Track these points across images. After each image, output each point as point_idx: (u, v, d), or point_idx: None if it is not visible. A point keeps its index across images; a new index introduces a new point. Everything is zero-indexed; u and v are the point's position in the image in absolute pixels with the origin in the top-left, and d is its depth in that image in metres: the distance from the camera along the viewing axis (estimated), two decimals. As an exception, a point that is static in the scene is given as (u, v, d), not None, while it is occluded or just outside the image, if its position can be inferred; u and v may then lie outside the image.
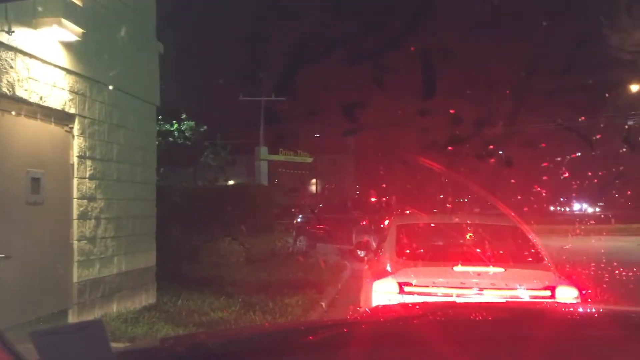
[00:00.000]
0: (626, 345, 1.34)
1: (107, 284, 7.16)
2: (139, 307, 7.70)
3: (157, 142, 10.02)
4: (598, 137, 30.74)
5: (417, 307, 2.08)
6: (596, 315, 1.80)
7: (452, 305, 2.29)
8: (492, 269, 4.99)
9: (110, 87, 7.24)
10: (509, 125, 29.82)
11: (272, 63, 30.75)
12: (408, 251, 5.74)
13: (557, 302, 4.65)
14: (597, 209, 40.35)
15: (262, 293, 8.86)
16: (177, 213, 13.46)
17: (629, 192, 32.19)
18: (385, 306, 3.69)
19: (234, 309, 7.77)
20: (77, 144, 6.67)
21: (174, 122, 20.50)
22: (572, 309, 2.36)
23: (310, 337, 1.52)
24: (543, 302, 4.55)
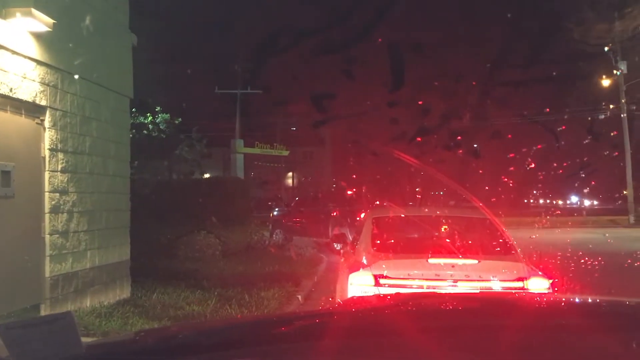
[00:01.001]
0: (595, 333, 1.37)
1: (81, 278, 7.07)
2: (113, 301, 7.62)
3: (130, 135, 9.90)
4: (562, 128, 31.29)
5: (391, 297, 2.10)
6: (566, 304, 1.83)
7: (426, 295, 2.31)
8: (465, 261, 5.05)
9: (82, 79, 7.13)
10: (477, 116, 30.26)
11: (249, 56, 30.56)
12: (383, 244, 5.77)
13: (528, 292, 4.72)
14: (564, 201, 40.99)
15: (238, 286, 8.83)
16: (152, 206, 13.36)
17: (593, 182, 32.80)
18: (358, 297, 3.71)
19: (210, 302, 7.74)
20: (49, 137, 6.56)
21: (148, 114, 20.27)
22: (542, 299, 2.41)
23: (283, 328, 1.52)
24: (515, 293, 4.62)
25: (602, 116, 31.88)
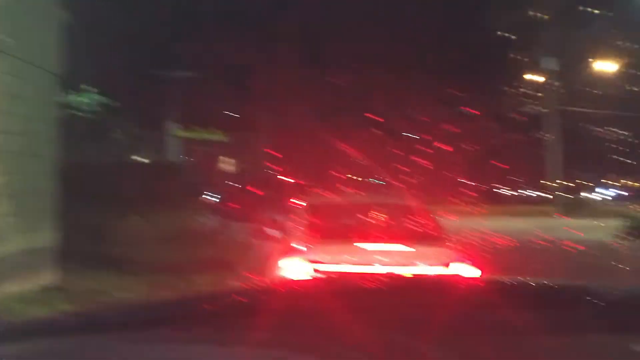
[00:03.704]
0: (516, 310, 1.46)
1: (4, 262, 6.79)
2: (39, 287, 7.36)
3: (60, 115, 9.52)
4: (477, 113, 32.32)
5: (320, 279, 2.14)
6: (489, 285, 1.92)
7: (355, 276, 2.37)
8: (397, 247, 5.19)
9: (6, 54, 6.80)
10: (396, 101, 30.86)
11: (186, 38, 29.93)
12: (317, 230, 5.83)
13: (455, 275, 4.90)
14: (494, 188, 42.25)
15: (171, 272, 8.71)
16: (82, 189, 12.91)
17: (507, 167, 34.03)
18: (289, 279, 3.74)
19: (142, 288, 7.61)
20: (-30, 115, 6.24)
21: (80, 94, 19.57)
22: (466, 281, 2.52)
23: (210, 306, 1.53)
24: (440, 275, 4.78)
25: (528, 109, 33.15)
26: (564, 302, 1.66)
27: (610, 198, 47.93)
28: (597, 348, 1.34)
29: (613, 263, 10.34)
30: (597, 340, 1.37)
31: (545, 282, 1.90)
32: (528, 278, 1.88)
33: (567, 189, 36.04)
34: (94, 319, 1.49)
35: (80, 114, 19.52)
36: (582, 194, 42.80)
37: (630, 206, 28.88)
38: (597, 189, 49.45)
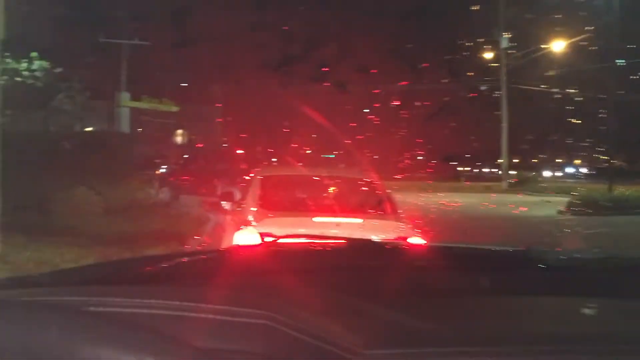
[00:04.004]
0: (454, 272, 1.49)
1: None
2: (-21, 258, 7.09)
3: (3, 82, 9.11)
4: (425, 66, 32.55)
5: (270, 243, 2.14)
6: (435, 249, 1.96)
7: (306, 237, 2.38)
8: (349, 220, 5.20)
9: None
10: (345, 53, 30.58)
11: (137, 3, 29.04)
12: (270, 202, 5.79)
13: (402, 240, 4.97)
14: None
15: (120, 245, 8.54)
16: (26, 159, 12.45)
17: (453, 124, 34.54)
18: (239, 245, 3.71)
19: (89, 260, 7.42)
20: None
21: (23, 60, 18.75)
22: (414, 246, 2.58)
23: (160, 266, 1.50)
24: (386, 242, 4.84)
25: (483, 87, 33.62)
26: (506, 265, 1.70)
27: (561, 175, 49.55)
28: (546, 309, 1.37)
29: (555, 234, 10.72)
30: (539, 302, 1.40)
31: (487, 247, 1.95)
32: (470, 244, 1.92)
33: (519, 166, 36.98)
34: (36, 280, 1.44)
35: (25, 81, 18.72)
36: (534, 172, 44.04)
37: (578, 184, 29.93)
38: (549, 168, 51.04)
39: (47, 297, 1.00)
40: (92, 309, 0.89)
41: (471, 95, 32.74)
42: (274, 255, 1.58)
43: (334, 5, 29.98)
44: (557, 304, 1.38)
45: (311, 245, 1.73)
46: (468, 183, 35.48)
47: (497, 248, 1.92)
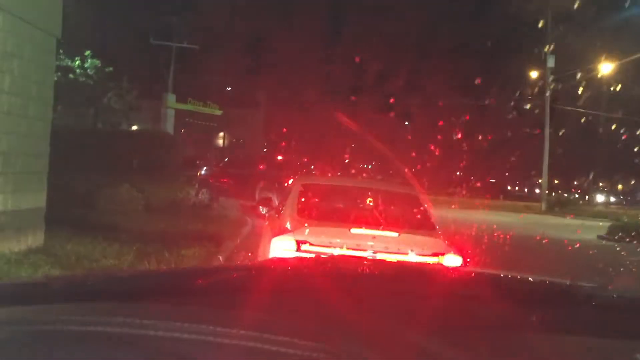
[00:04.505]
0: (499, 304, 1.44)
1: (-10, 222, 6.73)
2: (24, 248, 7.31)
3: (56, 78, 9.40)
4: (490, 101, 32.22)
5: (310, 259, 2.12)
6: (481, 278, 1.91)
7: (345, 258, 2.35)
8: (386, 233, 5.16)
9: (6, 12, 6.68)
10: (410, 84, 30.73)
11: (188, 8, 29.62)
12: (308, 210, 5.81)
13: (443, 265, 4.90)
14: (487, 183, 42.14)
15: (158, 242, 8.68)
16: (73, 155, 12.81)
17: (513, 159, 34.10)
18: (278, 258, 3.72)
19: (128, 257, 7.57)
20: (-36, 70, 6.13)
21: (77, 58, 19.32)
22: (459, 272, 2.52)
23: (199, 280, 1.50)
24: (429, 264, 4.78)
25: (528, 106, 33.03)
26: (554, 299, 1.64)
27: (602, 200, 48.22)
28: (595, 352, 1.32)
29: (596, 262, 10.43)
30: (591, 343, 1.35)
31: (534, 278, 1.89)
32: (515, 273, 1.87)
33: (559, 188, 36.10)
34: (77, 285, 1.45)
35: (77, 78, 19.29)
36: (576, 194, 42.97)
37: (619, 209, 29.04)
38: (591, 190, 49.72)
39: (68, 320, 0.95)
40: (117, 330, 0.86)
41: (513, 113, 32.22)
42: (312, 272, 1.57)
43: (393, 40, 30.23)
44: (601, 346, 1.33)
45: (349, 263, 1.71)
46: (506, 201, 34.88)
47: (541, 279, 1.86)
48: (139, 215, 12.17)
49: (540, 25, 30.16)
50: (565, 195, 37.04)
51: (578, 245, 13.84)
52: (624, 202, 42.81)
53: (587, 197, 45.73)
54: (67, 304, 1.17)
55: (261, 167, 22.63)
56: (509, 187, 48.40)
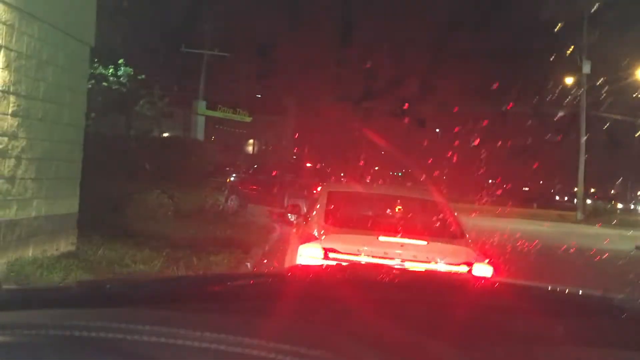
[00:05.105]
0: (532, 316, 1.41)
1: (24, 227, 6.87)
2: (57, 253, 7.44)
3: (89, 86, 9.58)
4: (507, 108, 31.74)
5: (338, 267, 2.10)
6: (507, 288, 1.87)
7: (374, 267, 2.31)
8: (414, 242, 5.11)
9: (41, 21, 6.83)
10: (426, 91, 30.51)
11: (219, 16, 29.97)
12: (336, 218, 5.79)
13: (471, 275, 4.82)
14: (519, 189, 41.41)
15: (187, 249, 8.75)
16: (106, 161, 13.02)
17: (536, 166, 33.55)
18: (305, 265, 3.70)
19: (157, 262, 7.65)
20: (1, 78, 6.28)
21: (110, 66, 19.66)
22: (485, 281, 2.47)
23: (224, 286, 1.49)
24: (459, 274, 4.71)
25: (561, 113, 32.43)
26: (585, 312, 1.59)
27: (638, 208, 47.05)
28: None
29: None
30: (621, 356, 1.30)
31: (565, 289, 1.83)
32: (546, 284, 1.82)
33: (597, 196, 35.35)
34: (106, 291, 1.46)
35: (110, 86, 19.63)
36: (613, 202, 41.99)
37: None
38: (629, 199, 48.55)
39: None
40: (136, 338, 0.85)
41: (550, 116, 31.68)
42: (338, 281, 1.55)
43: (419, 48, 30.17)
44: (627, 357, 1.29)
45: (376, 272, 1.69)
46: (541, 209, 34.28)
47: (574, 290, 1.81)
48: (169, 221, 12.29)
49: (571, 28, 29.61)
50: (601, 204, 36.19)
51: (612, 255, 13.53)
52: None
53: (626, 206, 44.69)
54: (85, 309, 1.17)
55: (290, 174, 22.69)
56: (543, 195, 47.54)
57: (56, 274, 6.42)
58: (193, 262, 7.96)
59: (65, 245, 7.81)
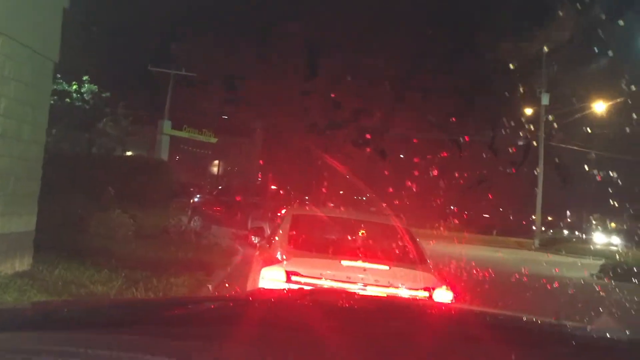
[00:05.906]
0: (490, 343, 1.43)
1: (-22, 245, 6.66)
2: (11, 272, 7.22)
3: (52, 102, 9.43)
4: (466, 139, 32.54)
5: (299, 291, 2.10)
6: (466, 315, 1.90)
7: (335, 291, 2.32)
8: (377, 266, 5.14)
9: (4, 36, 6.73)
10: (388, 122, 31.09)
11: (187, 38, 29.96)
12: (299, 241, 5.79)
13: (432, 301, 4.87)
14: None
15: (147, 269, 8.61)
16: (66, 178, 12.77)
17: (490, 196, 34.33)
18: (266, 289, 3.69)
19: (116, 283, 7.49)
20: (-40, 92, 6.15)
21: (74, 83, 19.41)
22: (446, 308, 2.50)
23: (180, 310, 1.48)
24: (419, 300, 4.75)
25: (520, 143, 33.25)
26: (539, 339, 1.63)
27: (594, 237, 48.19)
28: None
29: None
30: None
31: (520, 316, 1.88)
32: (502, 311, 1.86)
33: (551, 224, 36.12)
34: (62, 314, 1.43)
35: (73, 103, 19.35)
36: (569, 231, 42.98)
37: (612, 247, 29.07)
38: (582, 227, 49.67)
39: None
40: None
41: (507, 147, 32.51)
42: (301, 305, 1.55)
43: (381, 79, 30.82)
44: None
45: (338, 297, 1.70)
46: (497, 237, 34.91)
47: (525, 317, 1.85)
48: (130, 241, 12.08)
49: (527, 63, 30.56)
50: (558, 232, 37.04)
51: (566, 282, 13.81)
52: (619, 242, 42.76)
53: (580, 234, 45.74)
54: (39, 332, 1.15)
55: (254, 196, 22.59)
56: (504, 221, 48.37)
57: (9, 295, 6.23)
58: (153, 283, 7.83)
59: (20, 264, 7.58)
